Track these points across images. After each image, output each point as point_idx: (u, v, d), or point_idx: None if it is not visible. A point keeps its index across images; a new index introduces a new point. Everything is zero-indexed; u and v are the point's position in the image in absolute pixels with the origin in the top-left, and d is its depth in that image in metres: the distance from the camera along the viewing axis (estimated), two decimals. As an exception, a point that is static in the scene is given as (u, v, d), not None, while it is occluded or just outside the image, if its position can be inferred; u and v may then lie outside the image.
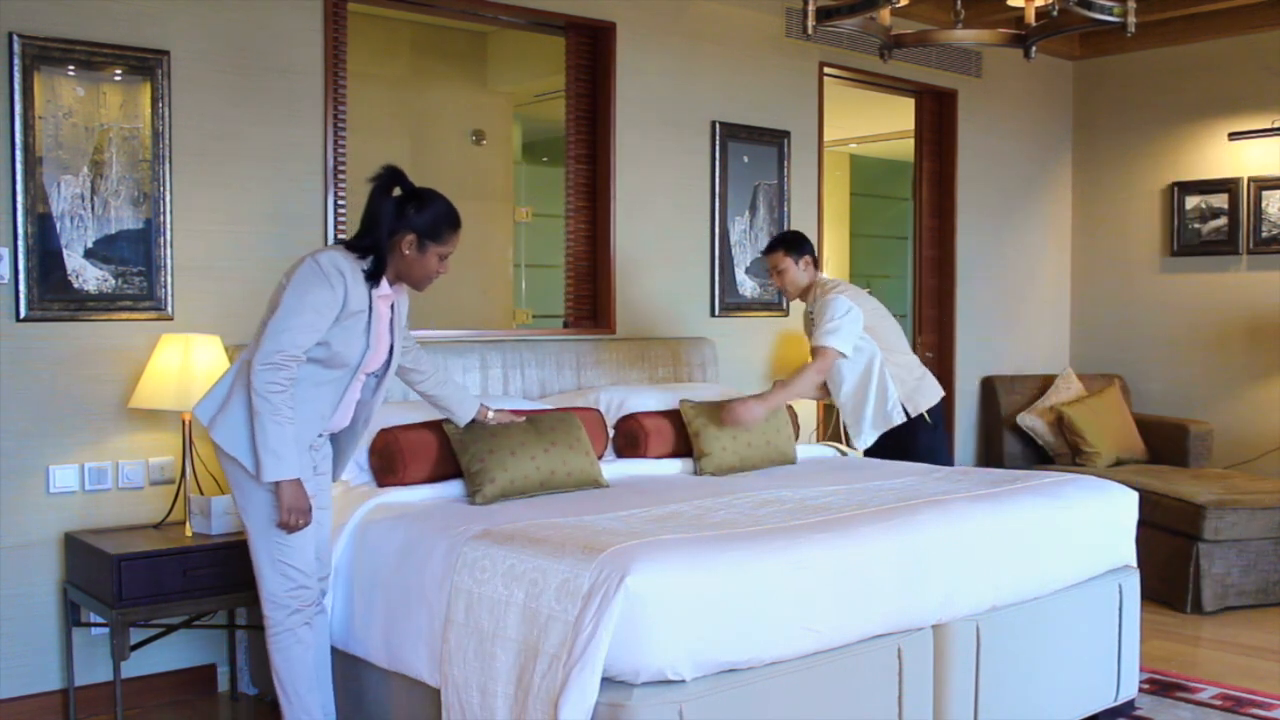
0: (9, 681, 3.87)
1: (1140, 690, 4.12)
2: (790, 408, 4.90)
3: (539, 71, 6.50)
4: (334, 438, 3.43)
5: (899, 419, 4.80)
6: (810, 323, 4.90)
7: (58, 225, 3.87)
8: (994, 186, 7.03)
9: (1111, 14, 3.84)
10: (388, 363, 3.36)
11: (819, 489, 3.84)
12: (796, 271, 4.86)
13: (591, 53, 5.33)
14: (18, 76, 3.77)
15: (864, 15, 3.91)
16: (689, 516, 3.36)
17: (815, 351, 4.71)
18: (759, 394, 4.72)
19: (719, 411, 4.50)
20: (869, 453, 4.95)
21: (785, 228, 5.92)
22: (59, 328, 3.91)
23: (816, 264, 4.94)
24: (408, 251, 3.18)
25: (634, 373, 5.16)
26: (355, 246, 3.17)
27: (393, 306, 3.33)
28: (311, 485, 3.24)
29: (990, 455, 6.90)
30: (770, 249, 4.94)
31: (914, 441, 4.82)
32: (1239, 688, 4.28)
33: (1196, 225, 6.89)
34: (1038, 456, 6.74)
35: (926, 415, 4.82)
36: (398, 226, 3.16)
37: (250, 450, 3.09)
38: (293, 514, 3.11)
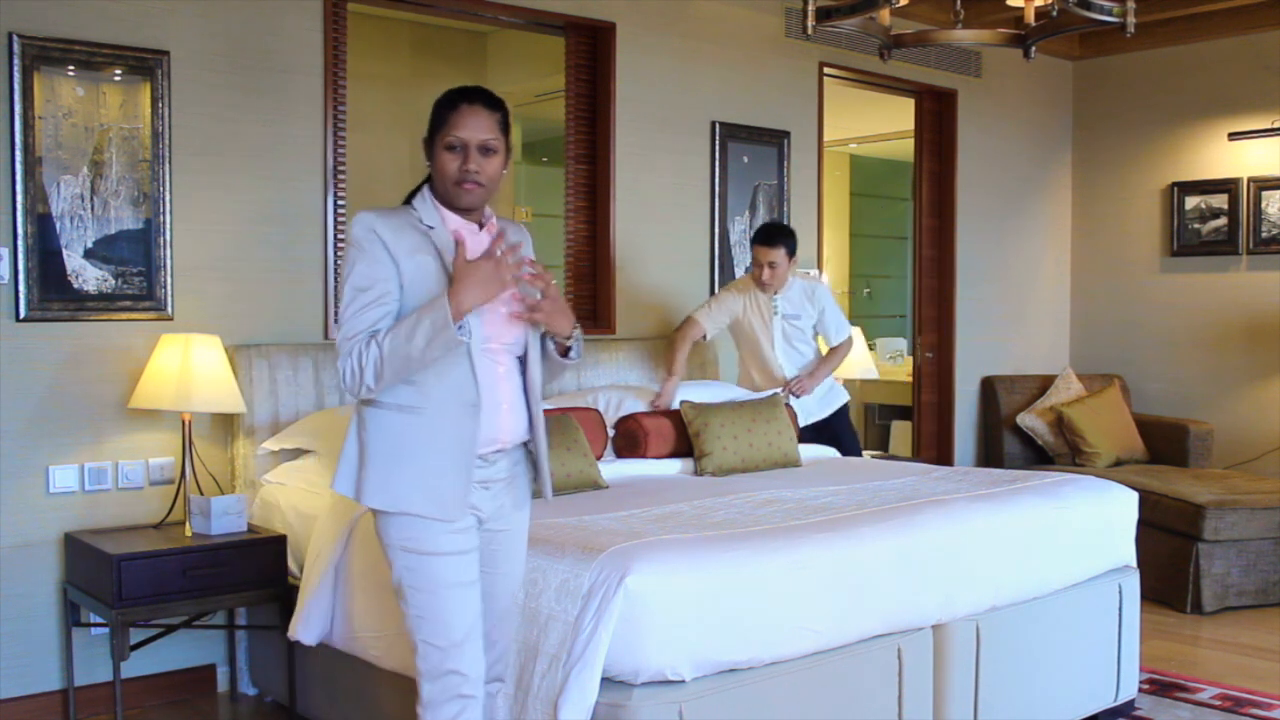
0: (9, 681, 3.87)
1: (1140, 690, 4.12)
2: (790, 409, 4.90)
3: (539, 71, 6.50)
4: (527, 452, 2.77)
5: (841, 400, 5.24)
6: (766, 309, 5.06)
7: (57, 225, 3.87)
8: (994, 186, 7.03)
9: (1111, 14, 3.85)
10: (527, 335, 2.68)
11: (819, 489, 3.84)
12: (786, 268, 5.00)
13: (591, 53, 5.33)
14: (18, 76, 3.77)
15: (864, 15, 3.92)
16: (689, 516, 3.36)
17: (845, 342, 5.19)
18: (809, 372, 5.10)
19: (787, 386, 5.01)
20: (805, 436, 5.09)
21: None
22: (59, 328, 3.91)
23: None
24: (429, 163, 2.71)
25: (634, 373, 5.15)
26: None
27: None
28: (474, 535, 2.61)
29: (990, 455, 6.90)
30: (772, 243, 4.92)
31: (842, 424, 5.25)
32: (1239, 688, 4.28)
33: (1196, 225, 6.89)
34: (1038, 457, 6.74)
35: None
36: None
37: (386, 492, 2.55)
38: (485, 280, 2.47)
